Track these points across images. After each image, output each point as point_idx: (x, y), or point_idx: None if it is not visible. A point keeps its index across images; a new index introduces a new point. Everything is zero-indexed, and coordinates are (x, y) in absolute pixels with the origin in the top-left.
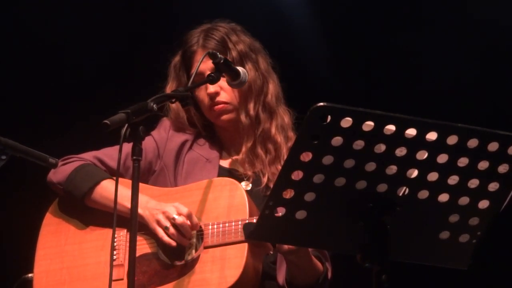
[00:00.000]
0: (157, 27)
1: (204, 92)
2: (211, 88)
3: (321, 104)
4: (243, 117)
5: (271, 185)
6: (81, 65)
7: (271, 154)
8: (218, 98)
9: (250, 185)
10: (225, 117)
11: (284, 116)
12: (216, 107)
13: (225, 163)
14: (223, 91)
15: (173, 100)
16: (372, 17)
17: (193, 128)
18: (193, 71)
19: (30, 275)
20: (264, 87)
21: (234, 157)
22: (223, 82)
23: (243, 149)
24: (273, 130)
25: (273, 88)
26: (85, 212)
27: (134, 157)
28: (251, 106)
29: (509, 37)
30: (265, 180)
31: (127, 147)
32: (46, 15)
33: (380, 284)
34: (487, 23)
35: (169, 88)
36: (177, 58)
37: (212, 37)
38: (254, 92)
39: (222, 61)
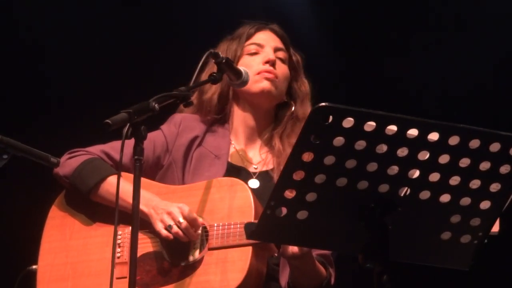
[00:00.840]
0: (158, 26)
1: (256, 59)
2: (272, 56)
3: (323, 104)
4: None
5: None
6: (81, 64)
7: (286, 151)
8: (273, 69)
9: (258, 182)
10: (267, 85)
11: None
12: (268, 73)
13: (236, 157)
14: (278, 67)
15: (175, 100)
16: (376, 16)
17: (215, 115)
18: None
19: (34, 266)
20: (305, 99)
21: (250, 145)
22: (278, 61)
23: (265, 131)
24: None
25: (308, 106)
26: (91, 206)
27: (136, 157)
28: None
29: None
30: (274, 175)
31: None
32: (49, 12)
33: (382, 284)
34: (489, 24)
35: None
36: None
37: (276, 25)
38: (298, 92)
39: (224, 60)
